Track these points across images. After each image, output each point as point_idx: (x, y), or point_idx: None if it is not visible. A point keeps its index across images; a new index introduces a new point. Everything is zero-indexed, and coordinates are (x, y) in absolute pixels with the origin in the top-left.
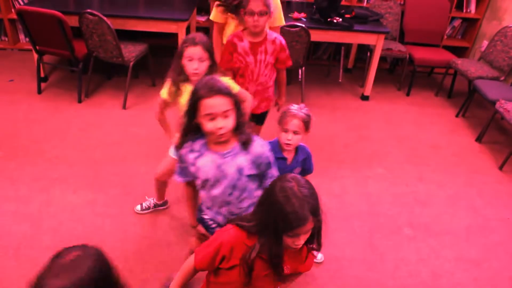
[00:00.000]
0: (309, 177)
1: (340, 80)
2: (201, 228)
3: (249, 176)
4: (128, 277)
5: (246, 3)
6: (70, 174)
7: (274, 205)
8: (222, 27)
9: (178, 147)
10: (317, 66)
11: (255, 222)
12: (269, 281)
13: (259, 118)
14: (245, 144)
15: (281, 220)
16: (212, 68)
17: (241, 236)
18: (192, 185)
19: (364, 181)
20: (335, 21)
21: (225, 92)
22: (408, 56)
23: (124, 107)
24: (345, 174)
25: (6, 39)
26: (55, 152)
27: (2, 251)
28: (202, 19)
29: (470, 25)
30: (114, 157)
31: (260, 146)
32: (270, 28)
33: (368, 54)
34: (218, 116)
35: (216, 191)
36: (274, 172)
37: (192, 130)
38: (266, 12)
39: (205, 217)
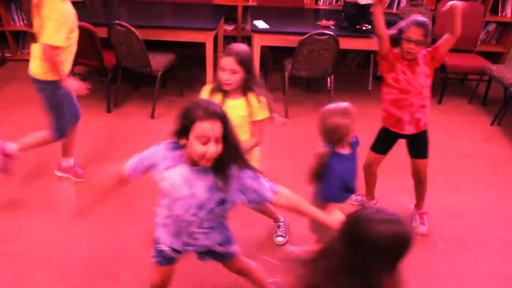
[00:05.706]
0: None
1: (369, 88)
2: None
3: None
4: None
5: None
6: None
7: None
8: None
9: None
10: (346, 74)
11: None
12: None
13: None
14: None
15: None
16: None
17: None
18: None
19: (394, 192)
20: (364, 28)
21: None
22: None
23: (152, 116)
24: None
25: None
26: (83, 161)
27: (33, 259)
28: (229, 28)
29: (506, 29)
30: None
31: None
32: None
33: None
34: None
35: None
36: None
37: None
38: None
39: (162, 248)
